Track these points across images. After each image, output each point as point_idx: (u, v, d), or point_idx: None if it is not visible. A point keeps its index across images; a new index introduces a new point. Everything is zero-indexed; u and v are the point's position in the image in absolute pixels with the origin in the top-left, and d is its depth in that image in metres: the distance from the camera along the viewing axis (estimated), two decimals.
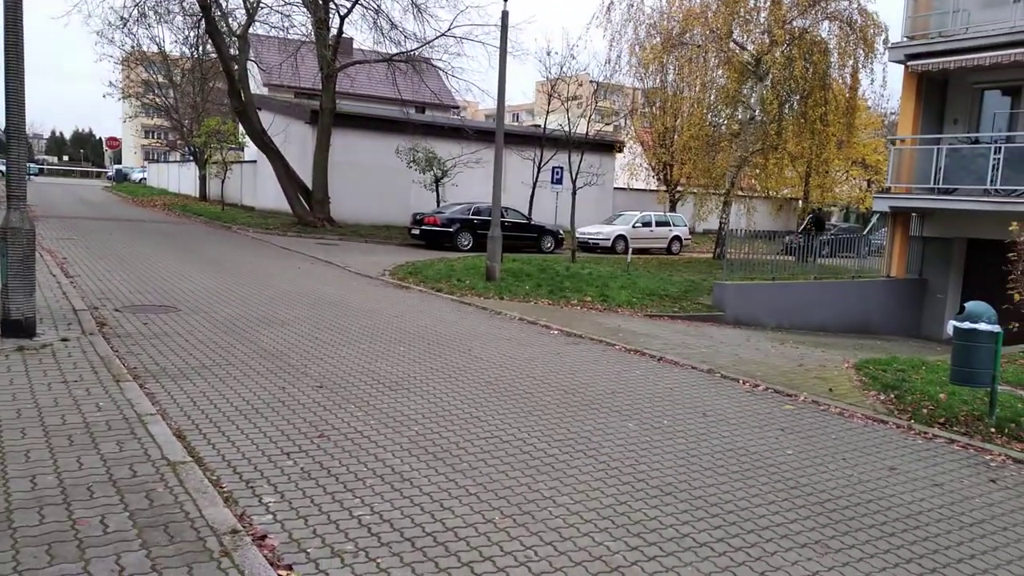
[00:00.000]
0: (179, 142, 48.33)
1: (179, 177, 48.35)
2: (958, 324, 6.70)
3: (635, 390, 7.38)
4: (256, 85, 31.49)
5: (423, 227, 22.78)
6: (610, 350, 9.43)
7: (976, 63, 14.96)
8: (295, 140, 27.44)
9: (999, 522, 4.63)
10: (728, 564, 3.86)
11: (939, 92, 16.99)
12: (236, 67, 24.60)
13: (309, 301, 11.51)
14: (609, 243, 25.59)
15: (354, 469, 4.83)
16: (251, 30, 25.55)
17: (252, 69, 28.24)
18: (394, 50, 24.15)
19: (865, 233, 22.65)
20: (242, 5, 24.70)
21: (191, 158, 42.15)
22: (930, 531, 4.44)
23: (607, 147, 29.69)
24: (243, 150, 36.93)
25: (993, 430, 6.52)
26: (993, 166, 14.82)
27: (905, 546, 4.22)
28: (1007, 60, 14.49)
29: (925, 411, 7.06)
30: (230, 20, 25.16)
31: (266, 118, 26.51)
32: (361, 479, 4.67)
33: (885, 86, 58.59)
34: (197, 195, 39.18)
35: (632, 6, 22.90)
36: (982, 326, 6.57)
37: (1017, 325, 9.23)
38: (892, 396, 7.64)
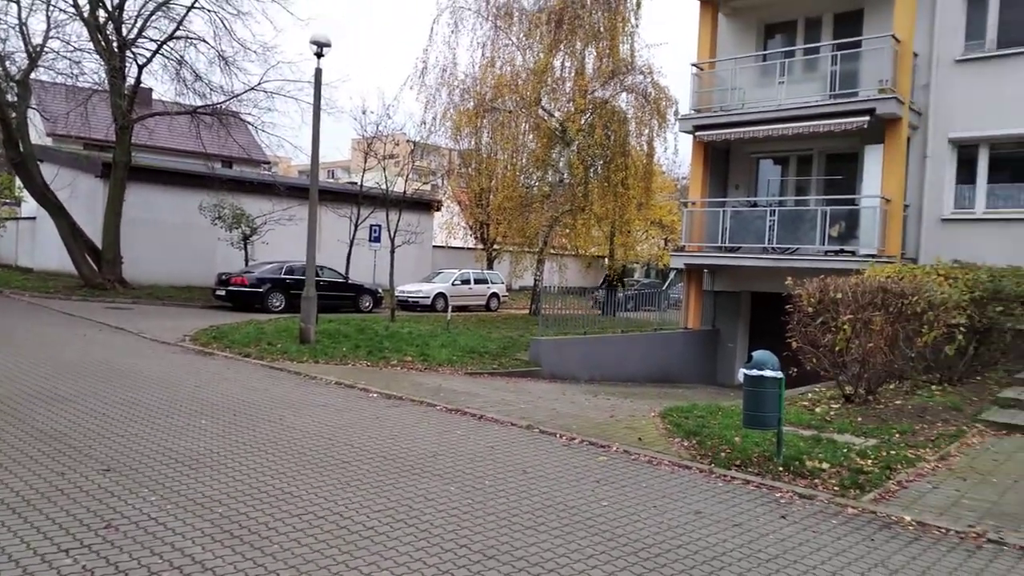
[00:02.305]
0: None
1: None
2: (747, 371, 7.29)
3: (456, 451, 7.30)
4: (38, 135, 28.70)
5: (230, 288, 21.60)
6: (431, 411, 9.31)
7: (751, 135, 16.81)
8: (83, 195, 25.19)
9: (791, 555, 5.00)
10: None
11: (723, 160, 18.88)
12: (14, 115, 22.30)
13: (96, 373, 10.42)
14: (429, 301, 25.65)
15: (147, 562, 4.32)
16: (34, 75, 23.36)
17: (34, 118, 25.74)
18: (199, 102, 23.06)
19: (665, 288, 24.43)
20: (23, 48, 22.59)
21: None
22: (732, 571, 4.69)
23: (425, 206, 30.05)
24: (20, 205, 33.32)
25: (781, 468, 7.10)
26: (770, 227, 16.59)
27: None
28: (775, 134, 16.42)
29: (723, 454, 7.57)
30: (8, 64, 22.87)
31: (49, 171, 24.19)
32: (155, 573, 4.18)
33: (677, 153, 64.21)
34: None
35: (446, 71, 23.64)
36: (767, 373, 7.19)
37: (796, 370, 10.24)
38: (695, 442, 8.13)
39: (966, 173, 15.81)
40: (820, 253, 16.09)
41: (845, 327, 10.06)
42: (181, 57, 22.63)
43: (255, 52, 26.54)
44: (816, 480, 6.82)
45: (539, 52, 22.92)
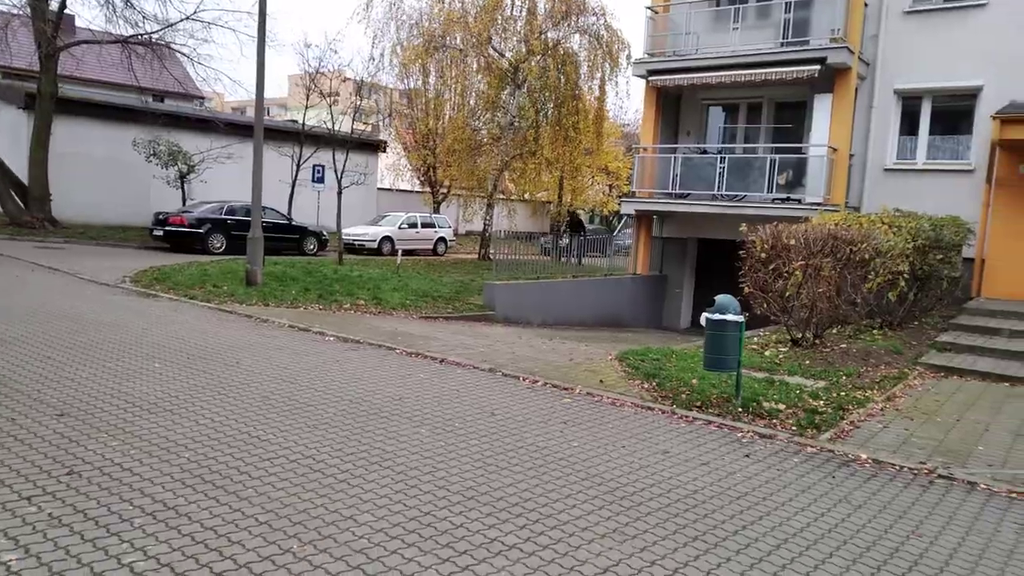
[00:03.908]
0: None
1: None
2: (709, 315, 7.40)
3: (422, 394, 7.25)
4: None
5: (168, 228, 20.75)
6: (391, 354, 9.21)
7: (704, 81, 16.82)
8: (5, 128, 23.70)
9: (760, 492, 5.15)
10: (539, 564, 3.87)
11: (674, 106, 18.88)
12: None
13: (36, 315, 9.94)
14: (375, 244, 25.22)
15: (117, 508, 4.17)
16: None
17: None
18: (130, 31, 21.70)
19: (614, 234, 24.59)
20: None
21: None
22: (707, 508, 4.81)
23: (371, 147, 29.29)
24: None
25: (740, 409, 7.29)
26: (719, 174, 16.76)
27: (689, 525, 4.53)
28: (728, 80, 16.46)
29: (684, 396, 7.73)
30: None
31: None
32: (128, 519, 4.04)
33: (629, 97, 64.02)
34: None
35: (393, 5, 22.79)
36: (729, 316, 7.31)
37: (747, 314, 10.46)
38: (654, 384, 8.28)
39: (909, 124, 16.19)
40: (767, 201, 16.38)
41: (796, 273, 10.30)
42: None
43: None
44: (774, 420, 7.03)
45: None
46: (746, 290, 11.11)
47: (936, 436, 6.79)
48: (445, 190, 30.86)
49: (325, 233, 24.01)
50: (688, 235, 19.00)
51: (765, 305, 10.93)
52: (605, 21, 21.88)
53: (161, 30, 21.38)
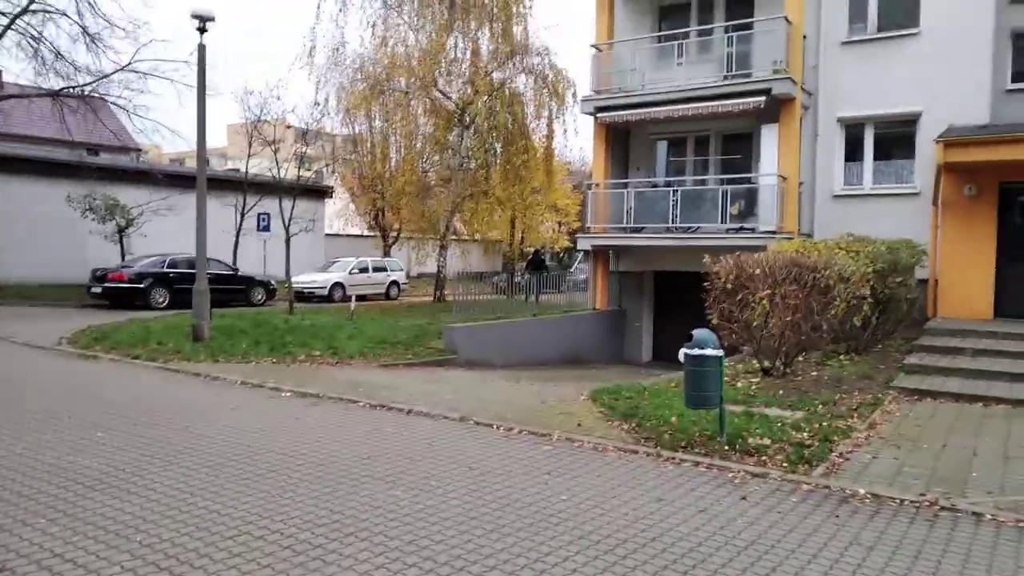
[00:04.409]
0: None
1: None
2: (688, 351, 7.14)
3: (392, 450, 6.78)
4: None
5: (107, 284, 19.86)
6: (353, 408, 8.71)
7: (652, 116, 16.92)
8: None
9: (766, 540, 4.84)
10: None
11: (623, 142, 18.94)
12: None
13: None
14: (326, 291, 24.60)
15: None
16: None
17: None
18: (61, 84, 20.90)
19: (572, 269, 24.44)
20: None
21: None
22: (715, 563, 4.47)
23: (318, 193, 28.78)
24: None
25: (727, 448, 7.01)
26: (672, 206, 16.78)
27: None
28: (676, 114, 16.58)
29: (666, 436, 7.42)
30: None
31: None
32: None
33: (578, 134, 64.74)
34: None
35: (336, 50, 22.52)
36: (709, 351, 7.07)
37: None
38: (633, 424, 7.96)
39: (854, 151, 16.51)
40: (722, 231, 16.41)
41: (763, 302, 10.18)
42: (39, 33, 20.42)
43: (124, 30, 24.31)
44: (763, 457, 6.77)
45: (432, 32, 22.23)
46: (713, 321, 10.97)
47: (927, 464, 6.61)
48: (395, 233, 30.46)
49: (273, 282, 23.33)
50: (644, 268, 18.93)
51: (733, 336, 10.78)
52: (549, 60, 22.04)
53: (95, 82, 20.64)
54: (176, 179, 25.75)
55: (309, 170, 28.29)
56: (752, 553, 4.61)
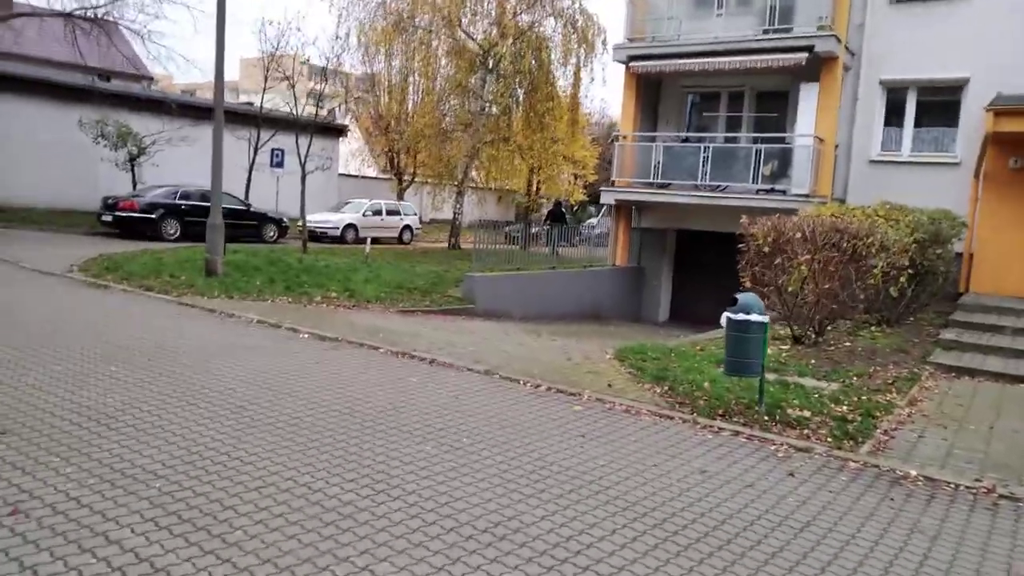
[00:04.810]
0: None
1: None
2: (731, 315, 6.79)
3: (419, 402, 6.49)
4: None
5: (118, 213, 19.45)
6: (375, 354, 8.41)
7: (688, 68, 16.25)
8: None
9: (823, 522, 4.55)
10: None
11: (654, 93, 18.29)
12: None
13: None
14: (338, 232, 24.19)
15: (76, 563, 3.36)
16: None
17: None
18: (74, 5, 20.17)
19: (588, 224, 23.95)
20: None
21: None
22: (773, 544, 4.19)
23: (334, 131, 28.12)
24: None
25: (767, 418, 6.71)
26: (703, 162, 16.22)
27: (762, 569, 3.88)
28: (712, 68, 15.91)
29: (701, 402, 7.12)
30: None
31: None
32: None
33: (606, 83, 62.97)
34: None
35: None
36: (753, 317, 6.71)
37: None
38: (666, 388, 7.65)
39: (894, 116, 15.86)
40: (751, 192, 15.90)
41: (802, 267, 9.79)
42: None
43: None
44: (806, 431, 6.47)
45: None
46: (746, 284, 10.60)
47: (977, 447, 6.30)
48: (410, 177, 29.88)
49: (285, 220, 22.91)
50: (667, 226, 18.47)
51: (765, 300, 10.41)
52: (580, 5, 21.14)
53: (110, 2, 19.89)
54: (189, 109, 25.16)
55: (322, 108, 27.66)
56: (810, 536, 4.31)
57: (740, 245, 10.74)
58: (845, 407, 7.24)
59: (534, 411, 6.56)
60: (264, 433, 5.34)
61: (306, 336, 9.11)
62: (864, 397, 7.64)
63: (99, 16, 20.60)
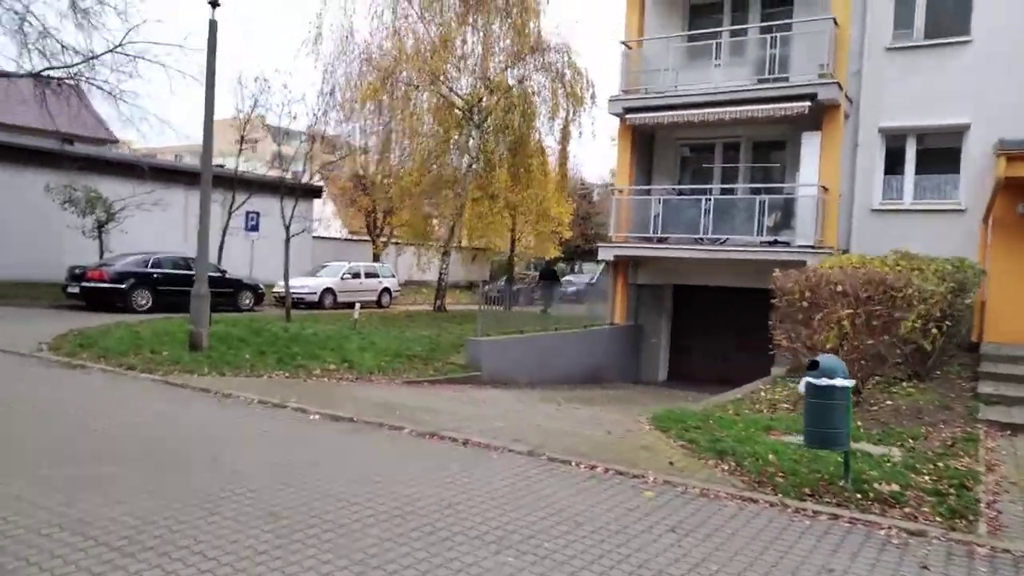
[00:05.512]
0: None
1: None
2: (813, 380, 6.13)
3: (473, 496, 5.65)
4: None
5: (85, 284, 18.34)
6: (400, 437, 7.54)
7: (687, 119, 15.95)
8: None
9: None
10: None
11: (647, 146, 18.00)
12: None
13: None
14: (316, 297, 23.26)
15: None
16: None
17: None
18: (44, 65, 19.17)
19: (594, 281, 23.39)
20: None
21: None
22: None
23: (311, 192, 27.37)
24: None
25: (859, 496, 6.00)
26: (704, 214, 15.81)
27: None
28: (712, 118, 15.64)
29: (779, 479, 6.40)
30: None
31: None
32: None
33: (595, 137, 63.31)
34: None
35: (345, 38, 21.14)
36: (838, 382, 6.07)
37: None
38: (732, 463, 6.92)
39: (894, 163, 15.74)
40: (755, 244, 15.48)
41: (844, 322, 9.26)
42: (26, 7, 18.61)
43: (115, 8, 22.38)
44: (906, 508, 5.78)
45: (441, 27, 21.05)
46: (783, 343, 10.03)
47: None
48: (385, 238, 29.13)
49: (261, 286, 21.94)
50: (665, 281, 17.96)
51: (803, 360, 9.82)
52: (568, 58, 20.94)
53: (84, 62, 18.94)
54: (161, 173, 24.28)
55: (285, 171, 26.86)
56: None
57: (773, 300, 10.21)
58: (927, 477, 6.60)
59: (604, 501, 5.75)
60: (311, 548, 4.46)
61: (317, 417, 8.20)
62: (939, 464, 7.01)
63: (73, 75, 19.61)
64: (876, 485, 6.24)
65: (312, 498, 5.40)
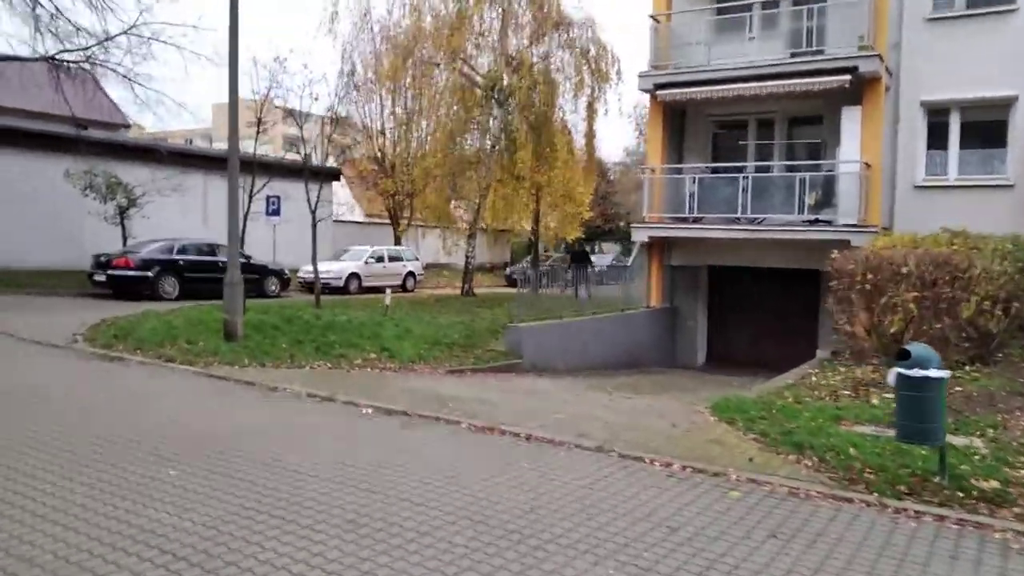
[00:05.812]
0: None
1: None
2: (905, 372, 5.77)
3: (554, 500, 5.33)
4: None
5: (111, 271, 18.13)
6: (459, 432, 7.24)
7: (720, 95, 15.48)
8: None
9: None
10: None
11: (678, 124, 17.53)
12: None
13: None
14: (341, 282, 22.98)
15: None
16: None
17: None
18: (55, 49, 18.81)
19: (629, 264, 22.99)
20: None
21: None
22: None
23: (330, 175, 27.04)
24: None
25: (960, 493, 5.66)
26: (742, 192, 15.37)
27: None
28: (748, 93, 15.17)
29: (869, 476, 6.06)
30: None
31: None
32: None
33: (622, 114, 62.47)
34: None
35: (365, 15, 20.65)
36: (932, 373, 5.71)
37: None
38: (815, 459, 6.57)
39: (937, 138, 15.24)
40: (795, 223, 15.06)
41: (910, 305, 8.88)
42: None
43: None
44: (1015, 508, 5.43)
45: (458, 2, 20.50)
46: (846, 327, 9.66)
47: None
48: (406, 220, 28.78)
49: (287, 271, 21.68)
50: (700, 262, 17.56)
51: (866, 344, 9.47)
52: (593, 33, 20.40)
53: (98, 44, 18.58)
54: (180, 157, 24.01)
55: (298, 153, 26.44)
56: None
57: (831, 283, 9.84)
58: (1023, 471, 6.24)
59: (691, 503, 5.43)
60: (400, 561, 4.16)
61: (369, 411, 7.91)
62: None
63: (88, 57, 19.26)
64: (974, 481, 5.89)
65: (385, 502, 5.10)
